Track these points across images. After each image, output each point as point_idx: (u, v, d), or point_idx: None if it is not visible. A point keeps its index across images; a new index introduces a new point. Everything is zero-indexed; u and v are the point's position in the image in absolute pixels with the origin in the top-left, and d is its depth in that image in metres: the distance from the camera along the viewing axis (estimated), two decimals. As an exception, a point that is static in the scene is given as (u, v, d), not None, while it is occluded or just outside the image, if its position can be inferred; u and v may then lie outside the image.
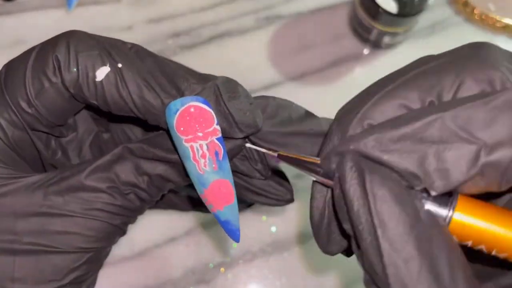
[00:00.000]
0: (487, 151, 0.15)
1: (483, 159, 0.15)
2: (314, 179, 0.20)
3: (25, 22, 0.58)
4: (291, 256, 0.52)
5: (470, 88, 0.17)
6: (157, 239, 0.52)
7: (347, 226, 0.17)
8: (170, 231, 0.52)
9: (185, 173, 0.24)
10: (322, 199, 0.20)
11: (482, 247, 0.17)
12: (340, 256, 0.22)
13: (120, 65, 0.22)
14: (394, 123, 0.17)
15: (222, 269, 0.51)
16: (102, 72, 0.22)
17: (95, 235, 0.23)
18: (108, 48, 0.23)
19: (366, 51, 0.60)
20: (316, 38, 0.60)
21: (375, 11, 0.53)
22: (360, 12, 0.56)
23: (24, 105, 0.22)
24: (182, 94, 0.22)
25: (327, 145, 0.19)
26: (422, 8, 0.53)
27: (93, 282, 0.26)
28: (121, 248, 0.51)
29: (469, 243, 0.18)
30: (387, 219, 0.16)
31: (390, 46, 0.59)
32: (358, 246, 0.17)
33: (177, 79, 0.23)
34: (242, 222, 0.52)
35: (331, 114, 0.22)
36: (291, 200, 0.28)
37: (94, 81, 0.22)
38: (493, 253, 0.17)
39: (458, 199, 0.17)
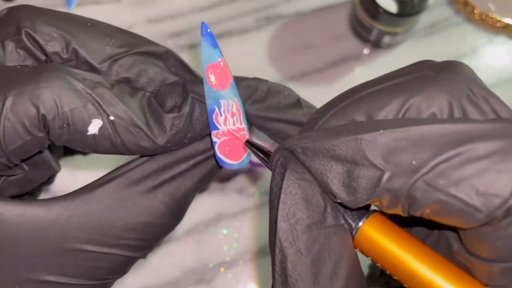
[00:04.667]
0: (387, 178, 0.16)
1: (382, 185, 0.16)
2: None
3: (25, 22, 0.58)
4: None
5: (418, 112, 0.18)
6: (157, 239, 0.52)
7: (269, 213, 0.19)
8: (170, 231, 0.52)
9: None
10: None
11: (379, 265, 0.18)
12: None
13: (112, 118, 0.21)
14: (322, 134, 0.18)
15: (222, 269, 0.51)
16: (94, 126, 0.21)
17: (117, 268, 0.23)
18: (94, 96, 0.21)
19: (366, 51, 0.60)
20: (316, 38, 0.60)
21: (375, 11, 0.53)
22: (360, 12, 0.56)
23: None
24: (169, 133, 0.23)
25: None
26: (422, 8, 0.53)
27: None
28: (121, 248, 0.51)
29: (369, 259, 0.19)
30: (290, 214, 0.17)
31: (390, 46, 0.59)
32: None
33: (160, 116, 0.23)
34: (242, 222, 0.53)
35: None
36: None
37: (86, 135, 0.21)
38: (387, 272, 0.19)
39: (372, 216, 0.19)
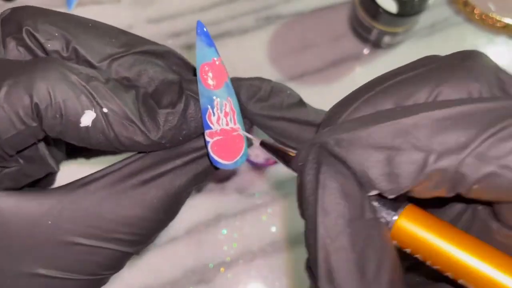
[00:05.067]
0: (434, 158, 0.16)
1: (430, 166, 0.16)
2: (288, 169, 0.22)
3: (25, 22, 0.58)
4: (291, 256, 0.52)
5: (448, 98, 0.18)
6: (158, 239, 0.52)
7: (300, 211, 0.19)
8: (170, 231, 0.52)
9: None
10: None
11: (419, 256, 0.18)
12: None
13: (105, 110, 0.21)
14: (356, 124, 0.18)
15: (222, 269, 0.51)
16: (87, 118, 0.21)
17: (110, 264, 0.23)
18: (88, 88, 0.21)
19: (366, 51, 0.60)
20: (316, 38, 0.60)
21: (375, 11, 0.53)
22: (360, 12, 0.56)
23: None
24: (163, 129, 0.23)
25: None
26: (422, 8, 0.53)
27: None
28: (121, 248, 0.51)
29: (408, 251, 0.19)
30: (330, 209, 0.17)
31: (390, 46, 0.59)
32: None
33: (154, 111, 0.23)
34: (242, 222, 0.53)
35: (331, 114, 0.22)
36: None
37: (79, 127, 0.21)
38: (428, 263, 0.18)
39: (407, 207, 0.19)
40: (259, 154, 0.54)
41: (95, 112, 0.21)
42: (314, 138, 0.19)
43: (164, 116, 0.23)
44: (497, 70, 0.18)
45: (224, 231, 0.52)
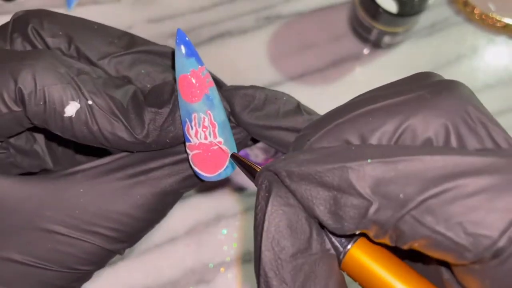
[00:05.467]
0: (375, 209, 0.16)
1: (370, 216, 0.16)
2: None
3: (25, 22, 0.58)
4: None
5: (414, 135, 0.17)
6: (157, 239, 0.52)
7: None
8: (170, 231, 0.52)
9: (191, 183, 0.24)
10: None
11: None
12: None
13: (90, 102, 0.21)
14: (311, 157, 0.18)
15: (222, 269, 0.51)
16: (71, 108, 0.21)
17: (89, 258, 0.23)
18: (76, 80, 0.21)
19: (366, 51, 0.60)
20: (316, 38, 0.60)
21: (375, 11, 0.53)
22: (360, 12, 0.56)
23: None
24: (148, 128, 0.23)
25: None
26: (422, 8, 0.53)
27: None
28: (121, 248, 0.51)
29: (358, 283, 0.19)
30: (274, 243, 0.17)
31: (390, 46, 0.59)
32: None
33: (141, 109, 0.23)
34: (242, 222, 0.52)
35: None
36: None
37: (62, 117, 0.21)
38: None
39: (361, 239, 0.18)
40: (259, 154, 0.54)
41: (80, 103, 0.21)
42: (269, 165, 0.19)
43: (150, 115, 0.22)
44: (469, 106, 0.18)
45: (224, 231, 0.52)
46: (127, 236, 0.23)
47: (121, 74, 0.24)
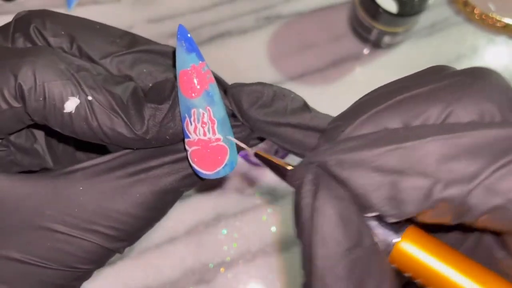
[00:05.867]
0: (441, 187, 0.16)
1: (436, 195, 0.16)
2: (283, 182, 0.21)
3: (25, 22, 0.58)
4: (291, 256, 0.52)
5: (458, 120, 0.17)
6: (157, 239, 0.52)
7: (295, 231, 0.18)
8: (170, 231, 0.52)
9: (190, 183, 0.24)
10: None
11: (420, 281, 0.18)
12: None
13: (90, 98, 0.21)
14: (359, 143, 0.17)
15: (222, 269, 0.51)
16: (71, 104, 0.21)
17: (89, 257, 0.23)
18: (76, 76, 0.21)
19: (366, 51, 0.60)
20: (316, 38, 0.60)
21: (375, 11, 0.53)
22: (360, 12, 0.56)
23: None
24: (147, 124, 0.22)
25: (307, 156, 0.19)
26: (422, 8, 0.53)
27: None
28: (121, 248, 0.51)
29: (408, 275, 0.18)
30: (327, 237, 0.16)
31: (390, 46, 0.59)
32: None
33: (141, 105, 0.23)
34: (242, 222, 0.53)
35: (331, 114, 0.22)
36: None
37: (62, 113, 0.21)
38: None
39: (408, 229, 0.18)
40: (259, 154, 0.54)
41: (80, 99, 0.21)
42: (313, 156, 0.18)
43: (150, 111, 0.22)
44: (508, 90, 0.18)
45: (224, 231, 0.52)
46: (126, 234, 0.23)
47: (123, 73, 0.24)
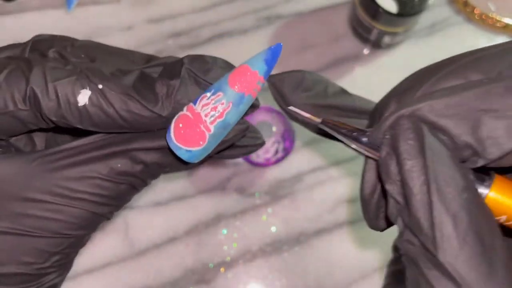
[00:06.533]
0: None
1: None
2: (356, 147, 0.20)
3: (25, 22, 0.58)
4: (291, 256, 0.52)
5: None
6: (157, 239, 0.52)
7: (390, 187, 0.18)
8: (170, 231, 0.52)
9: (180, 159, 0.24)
10: (374, 172, 0.20)
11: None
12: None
13: (100, 86, 0.22)
14: (449, 91, 0.17)
15: (222, 269, 0.51)
16: (83, 97, 0.22)
17: (78, 223, 0.24)
18: (84, 70, 0.22)
19: (366, 51, 0.60)
20: (316, 38, 0.60)
21: (375, 11, 0.53)
22: (360, 12, 0.56)
23: None
24: (162, 100, 0.23)
25: (382, 115, 0.19)
26: (422, 8, 0.53)
27: (71, 263, 0.26)
28: (121, 248, 0.51)
29: (503, 218, 0.19)
30: (441, 177, 0.16)
31: (390, 46, 0.59)
32: (406, 203, 0.17)
33: (152, 82, 0.23)
34: (242, 222, 0.53)
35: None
36: (262, 143, 0.29)
37: (77, 107, 0.22)
38: None
39: (496, 179, 0.18)
40: (259, 154, 0.54)
41: (91, 89, 0.22)
42: (399, 108, 0.18)
43: (161, 87, 0.23)
44: None
45: (224, 231, 0.52)
46: (111, 199, 0.24)
47: None
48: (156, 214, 0.52)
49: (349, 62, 0.59)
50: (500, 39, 0.61)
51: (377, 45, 0.59)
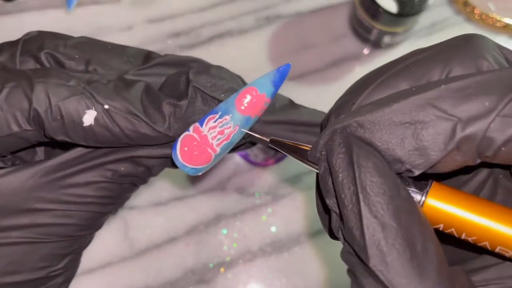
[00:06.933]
0: (462, 126, 0.17)
1: (459, 134, 0.17)
2: (304, 164, 0.21)
3: (25, 22, 0.58)
4: (291, 256, 0.52)
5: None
6: (157, 239, 0.52)
7: (329, 201, 0.19)
8: (170, 231, 0.52)
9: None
10: None
11: (452, 230, 0.19)
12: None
13: (106, 107, 0.22)
14: (376, 105, 0.18)
15: (222, 269, 0.51)
16: (89, 117, 0.22)
17: (86, 224, 0.24)
18: (88, 88, 0.22)
19: (366, 51, 0.60)
20: (316, 38, 0.60)
21: (375, 11, 0.53)
22: (360, 12, 0.56)
23: None
24: (169, 121, 0.23)
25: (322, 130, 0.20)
26: (422, 8, 0.53)
27: (79, 260, 0.27)
28: (121, 248, 0.51)
29: (440, 227, 0.19)
30: (369, 187, 0.17)
31: (390, 46, 0.59)
32: (340, 218, 0.18)
33: (158, 102, 0.23)
34: (242, 222, 0.53)
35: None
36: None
37: (82, 127, 0.22)
38: (463, 236, 0.19)
39: (433, 186, 0.19)
40: (258, 154, 0.54)
41: (96, 110, 0.22)
42: (333, 124, 0.19)
43: (169, 107, 0.23)
44: (499, 47, 0.19)
45: (224, 231, 0.52)
46: (115, 198, 0.25)
47: None
48: (156, 214, 0.52)
49: (349, 62, 0.59)
50: (500, 39, 0.61)
51: (377, 45, 0.59)
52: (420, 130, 0.17)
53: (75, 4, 0.59)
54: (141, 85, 0.23)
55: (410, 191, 0.19)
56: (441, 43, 0.20)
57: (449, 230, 0.19)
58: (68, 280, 0.26)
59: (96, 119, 0.22)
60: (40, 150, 0.27)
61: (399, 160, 0.18)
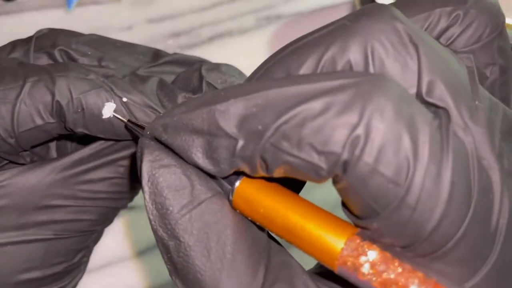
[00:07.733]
0: (241, 146, 0.16)
1: (237, 153, 0.16)
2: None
3: (25, 22, 0.58)
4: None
5: (334, 65, 0.17)
6: (157, 239, 0.52)
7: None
8: (170, 231, 0.52)
9: None
10: None
11: (258, 224, 0.18)
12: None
13: (125, 99, 0.23)
14: (184, 108, 0.18)
15: (222, 269, 0.51)
16: (108, 109, 0.23)
17: (101, 219, 0.25)
18: (107, 82, 0.23)
19: (366, 51, 0.60)
20: (316, 38, 0.60)
21: (375, 11, 0.53)
22: (360, 12, 0.56)
23: (4, 134, 0.22)
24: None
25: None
26: (422, 8, 0.53)
27: (91, 254, 0.28)
28: (121, 248, 0.51)
29: (251, 219, 0.18)
30: (158, 207, 0.18)
31: (390, 46, 0.59)
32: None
33: (174, 95, 0.24)
34: (242, 222, 0.52)
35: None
36: None
37: (102, 119, 0.23)
38: (267, 230, 0.19)
39: (243, 179, 0.18)
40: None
41: (115, 103, 0.23)
42: (148, 125, 0.19)
43: (184, 98, 0.24)
44: (392, 25, 0.16)
45: (224, 231, 0.52)
46: (127, 193, 0.26)
47: None
48: (156, 214, 0.52)
49: (349, 62, 0.59)
50: (500, 39, 0.61)
51: (377, 45, 0.59)
52: (212, 142, 0.17)
53: (75, 4, 0.59)
54: (155, 80, 0.24)
55: (223, 183, 0.18)
56: (335, 21, 0.18)
57: (257, 224, 0.19)
58: (82, 273, 0.28)
59: (115, 112, 0.23)
60: (52, 146, 0.27)
61: (198, 166, 0.18)
